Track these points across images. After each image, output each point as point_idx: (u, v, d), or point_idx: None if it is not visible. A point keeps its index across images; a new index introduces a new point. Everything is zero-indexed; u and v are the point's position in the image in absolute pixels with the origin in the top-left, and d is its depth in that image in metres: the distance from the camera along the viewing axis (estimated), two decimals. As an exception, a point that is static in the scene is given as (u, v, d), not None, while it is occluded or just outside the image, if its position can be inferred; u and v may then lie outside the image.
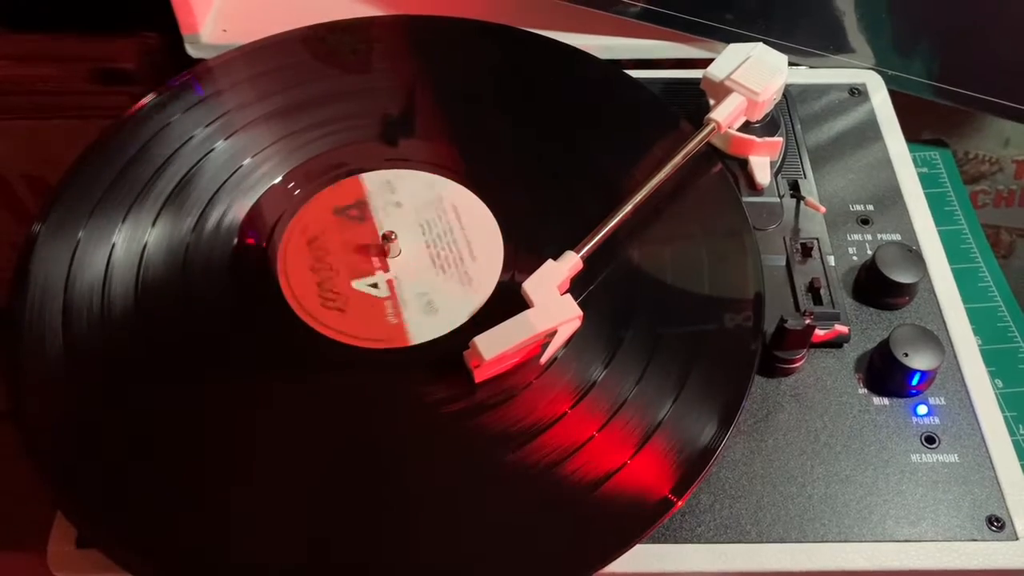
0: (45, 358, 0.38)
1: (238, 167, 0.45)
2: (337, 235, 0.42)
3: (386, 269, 0.42)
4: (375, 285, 0.41)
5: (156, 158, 0.44)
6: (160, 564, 0.34)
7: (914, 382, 0.40)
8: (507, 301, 0.39)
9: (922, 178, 0.49)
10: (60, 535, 0.36)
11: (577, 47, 0.50)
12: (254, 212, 0.43)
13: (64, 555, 0.36)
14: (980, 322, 0.51)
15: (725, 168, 0.45)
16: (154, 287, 0.40)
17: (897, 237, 0.45)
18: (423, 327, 0.40)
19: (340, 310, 0.40)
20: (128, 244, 0.41)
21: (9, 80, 0.58)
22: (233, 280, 0.41)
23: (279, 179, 0.44)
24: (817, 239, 0.44)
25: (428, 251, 0.42)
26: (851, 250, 0.45)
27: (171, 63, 0.57)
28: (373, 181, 0.44)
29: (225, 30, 0.56)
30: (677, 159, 0.42)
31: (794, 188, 0.46)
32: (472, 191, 0.44)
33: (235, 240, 0.42)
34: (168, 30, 0.55)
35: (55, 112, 0.59)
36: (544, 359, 0.38)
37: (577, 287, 0.40)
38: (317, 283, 0.40)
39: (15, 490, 0.39)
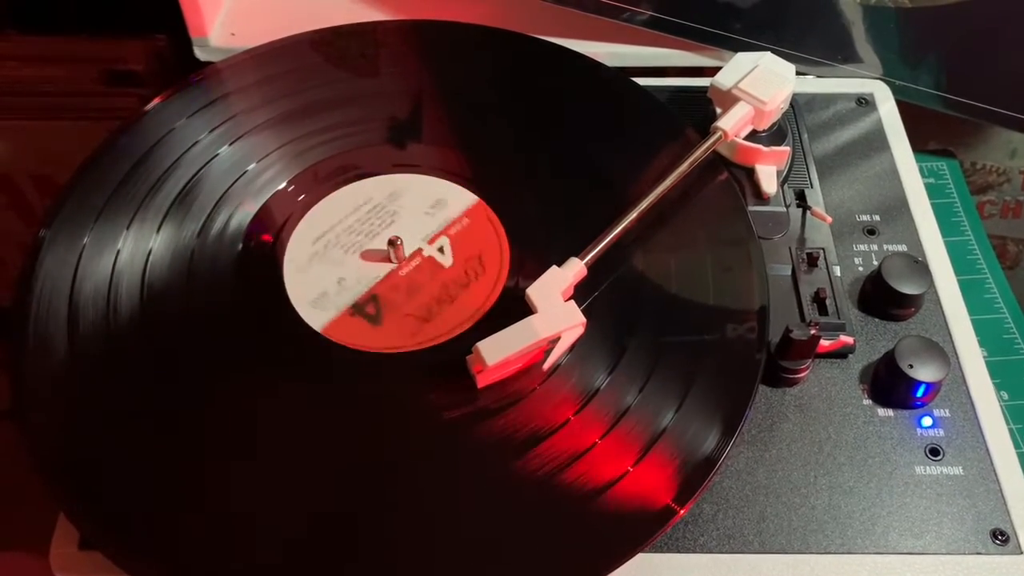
0: (49, 361, 0.38)
1: (244, 171, 0.45)
2: (394, 313, 0.41)
3: (419, 252, 0.42)
4: (439, 250, 0.42)
5: (162, 162, 0.44)
6: (163, 567, 0.34)
7: (919, 394, 0.39)
8: (511, 306, 0.39)
9: (929, 188, 0.48)
10: (63, 537, 0.36)
11: (585, 54, 0.50)
12: (259, 217, 0.43)
13: (66, 557, 0.36)
14: (986, 334, 0.50)
15: (731, 177, 0.45)
16: (159, 292, 0.40)
17: (903, 248, 0.45)
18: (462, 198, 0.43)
19: (479, 266, 0.41)
20: (133, 249, 0.42)
21: (18, 81, 0.59)
22: (238, 285, 0.41)
23: (284, 184, 0.45)
24: (823, 249, 0.44)
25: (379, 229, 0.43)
26: (857, 260, 0.45)
27: (179, 65, 0.57)
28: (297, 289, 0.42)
29: (234, 33, 0.56)
30: (683, 167, 0.42)
31: (800, 197, 0.46)
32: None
33: (240, 245, 0.42)
34: (177, 32, 0.56)
35: (63, 113, 0.59)
36: (547, 365, 0.38)
37: (581, 294, 0.40)
38: (435, 301, 0.40)
39: (18, 490, 0.39)
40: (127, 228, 0.42)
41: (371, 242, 0.43)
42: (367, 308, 0.40)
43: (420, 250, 0.42)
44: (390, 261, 0.42)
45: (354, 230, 0.43)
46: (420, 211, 0.44)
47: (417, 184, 0.45)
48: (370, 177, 0.45)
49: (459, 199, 0.44)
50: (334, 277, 0.41)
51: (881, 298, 0.42)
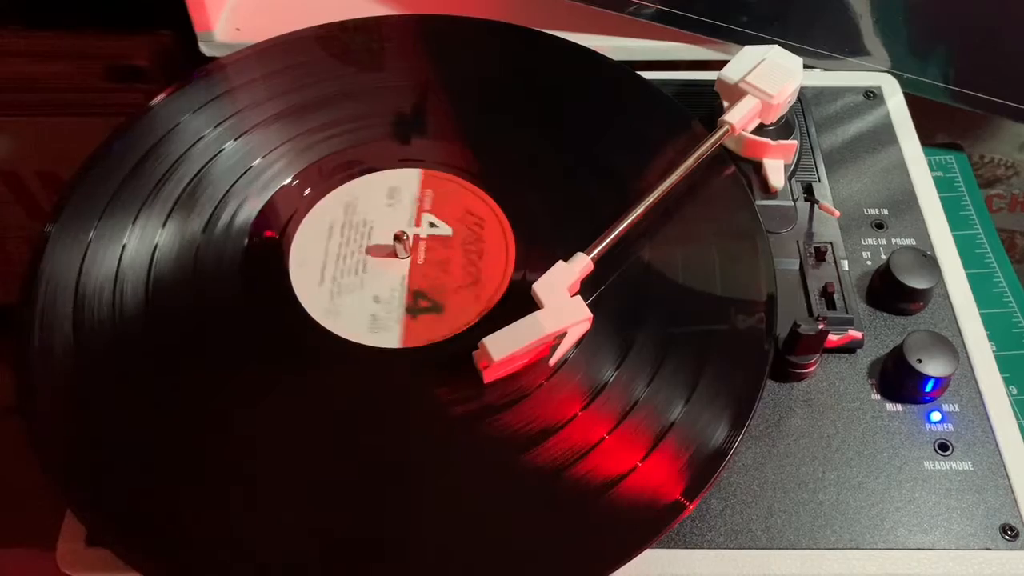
0: (55, 357, 0.38)
1: (249, 167, 0.45)
2: (441, 281, 0.41)
3: (417, 236, 0.43)
4: (430, 226, 0.43)
5: (167, 157, 0.44)
6: (168, 563, 0.34)
7: (928, 388, 0.39)
8: (518, 301, 0.39)
9: (937, 182, 0.48)
10: (70, 533, 0.36)
11: (590, 48, 0.50)
12: (265, 212, 0.43)
13: (73, 553, 0.36)
14: (995, 328, 0.50)
15: (738, 171, 0.45)
16: (164, 287, 0.40)
17: (912, 242, 0.45)
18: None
19: (479, 248, 0.41)
20: (139, 244, 0.42)
21: (24, 77, 0.59)
22: (243, 281, 0.41)
23: (289, 179, 0.44)
24: (831, 243, 0.44)
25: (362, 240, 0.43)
26: (865, 255, 0.44)
27: (184, 61, 0.57)
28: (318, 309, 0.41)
29: (238, 29, 0.56)
30: (690, 161, 0.42)
31: (808, 191, 0.46)
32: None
33: (246, 241, 0.42)
34: (182, 28, 0.55)
35: (69, 109, 0.59)
36: (553, 361, 0.38)
37: (587, 289, 0.39)
38: (472, 283, 0.40)
39: (25, 486, 0.39)
40: (132, 223, 0.42)
41: (368, 255, 0.42)
42: (420, 303, 0.40)
43: (416, 235, 0.42)
44: (399, 256, 0.42)
45: (344, 255, 0.42)
46: (383, 207, 0.44)
47: (363, 186, 0.45)
48: (325, 195, 0.44)
49: (408, 179, 0.45)
50: (368, 299, 0.41)
51: (890, 292, 0.42)
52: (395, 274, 0.42)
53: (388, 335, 0.39)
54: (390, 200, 0.44)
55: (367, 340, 0.39)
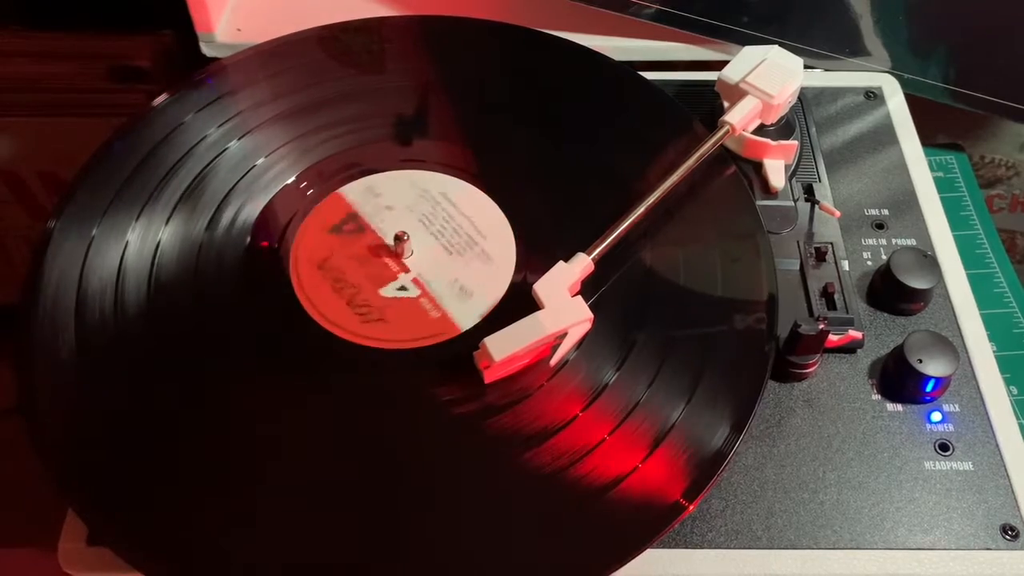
0: (57, 355, 0.38)
1: (251, 167, 0.45)
2: (343, 253, 0.42)
3: (406, 270, 0.41)
4: (403, 287, 0.41)
5: (170, 157, 0.44)
6: (170, 562, 0.34)
7: (928, 388, 0.39)
8: (518, 302, 0.39)
9: (937, 182, 0.48)
10: (71, 532, 0.36)
11: (591, 48, 0.50)
12: (267, 212, 0.43)
13: (75, 552, 0.36)
14: (995, 328, 0.50)
15: (739, 171, 0.45)
16: (167, 285, 0.40)
17: (912, 242, 0.45)
18: (466, 312, 0.40)
19: (381, 320, 0.40)
20: (142, 242, 0.42)
21: (25, 77, 0.59)
22: (245, 279, 0.41)
23: (292, 179, 0.44)
24: (831, 243, 0.44)
25: (438, 242, 0.42)
26: (866, 255, 0.45)
27: (186, 61, 0.57)
28: (355, 191, 0.44)
29: (239, 29, 0.56)
30: (691, 161, 0.42)
31: (808, 192, 0.46)
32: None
33: (248, 240, 0.42)
34: (183, 28, 0.56)
35: (70, 109, 0.59)
36: (554, 361, 0.38)
37: (588, 289, 0.40)
38: (347, 302, 0.40)
39: (26, 486, 0.39)
40: (135, 221, 0.42)
41: (408, 208, 0.43)
42: (346, 227, 0.43)
43: (412, 277, 0.41)
44: (394, 245, 0.42)
45: (424, 201, 0.43)
46: (466, 246, 0.42)
47: (497, 227, 0.43)
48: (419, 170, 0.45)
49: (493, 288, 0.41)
50: (377, 195, 0.44)
51: (890, 292, 0.42)
52: (382, 223, 0.43)
53: (432, 327, 0.40)
54: (478, 242, 0.42)
55: (344, 186, 0.44)
